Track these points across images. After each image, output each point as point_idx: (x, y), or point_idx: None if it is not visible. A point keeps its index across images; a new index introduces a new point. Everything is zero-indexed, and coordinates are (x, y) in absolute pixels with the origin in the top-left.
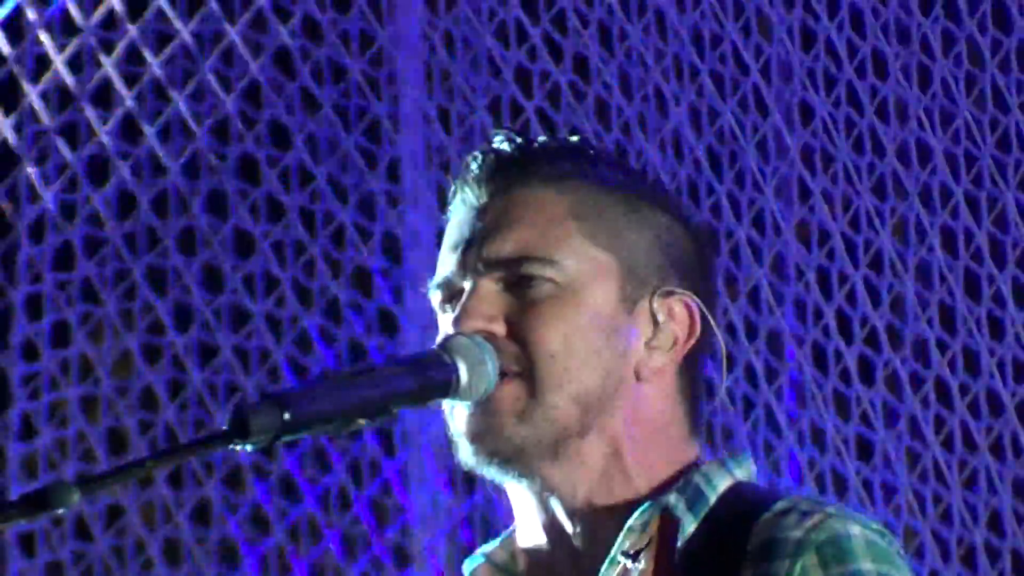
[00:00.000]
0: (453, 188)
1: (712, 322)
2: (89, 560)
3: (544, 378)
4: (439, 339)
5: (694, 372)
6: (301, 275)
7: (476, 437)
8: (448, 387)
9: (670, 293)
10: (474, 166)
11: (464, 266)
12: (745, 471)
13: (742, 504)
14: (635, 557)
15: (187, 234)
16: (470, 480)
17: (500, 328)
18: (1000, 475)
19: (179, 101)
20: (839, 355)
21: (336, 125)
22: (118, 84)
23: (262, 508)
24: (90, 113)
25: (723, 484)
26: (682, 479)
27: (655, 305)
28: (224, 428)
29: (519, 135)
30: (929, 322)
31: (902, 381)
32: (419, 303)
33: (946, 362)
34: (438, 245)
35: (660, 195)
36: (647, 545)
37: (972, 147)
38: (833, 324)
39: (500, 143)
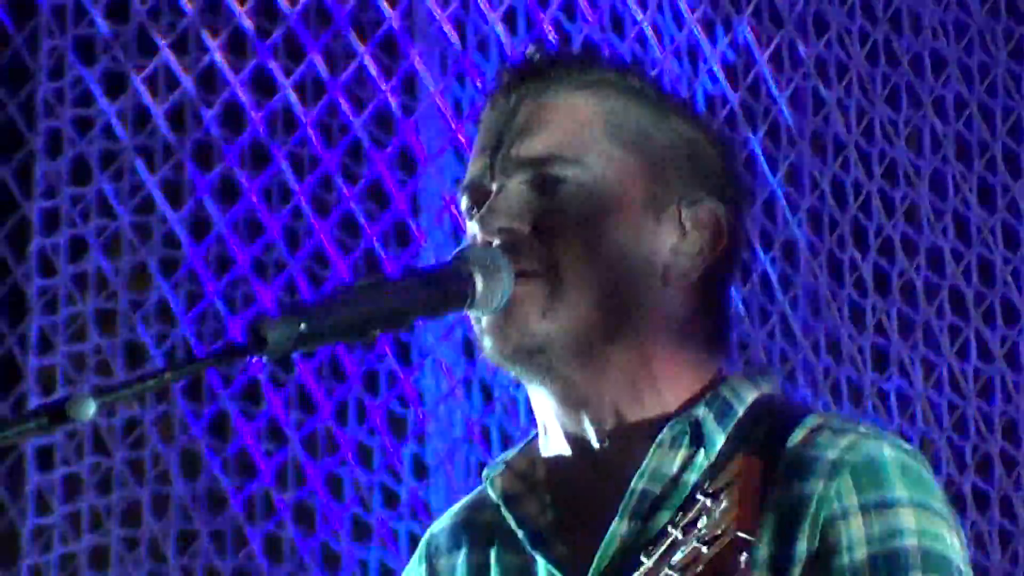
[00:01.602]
0: (487, 95)
1: (739, 234)
2: (105, 472)
3: (569, 277)
4: (457, 248)
5: (721, 283)
6: (317, 187)
7: (500, 332)
8: (464, 298)
9: (697, 201)
10: (506, 73)
11: (492, 168)
12: (769, 385)
13: (771, 417)
14: (715, 496)
15: (202, 147)
16: (487, 391)
17: (525, 227)
18: (1016, 384)
19: (193, 12)
20: (854, 265)
21: (351, 37)
22: None
23: (278, 420)
24: (103, 27)
25: (750, 396)
26: (710, 392)
27: (683, 212)
28: (241, 339)
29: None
30: (944, 232)
31: (917, 291)
32: (434, 215)
33: (960, 271)
34: (455, 157)
35: (688, 108)
36: (728, 485)
37: (986, 57)
38: (848, 234)
39: (531, 52)
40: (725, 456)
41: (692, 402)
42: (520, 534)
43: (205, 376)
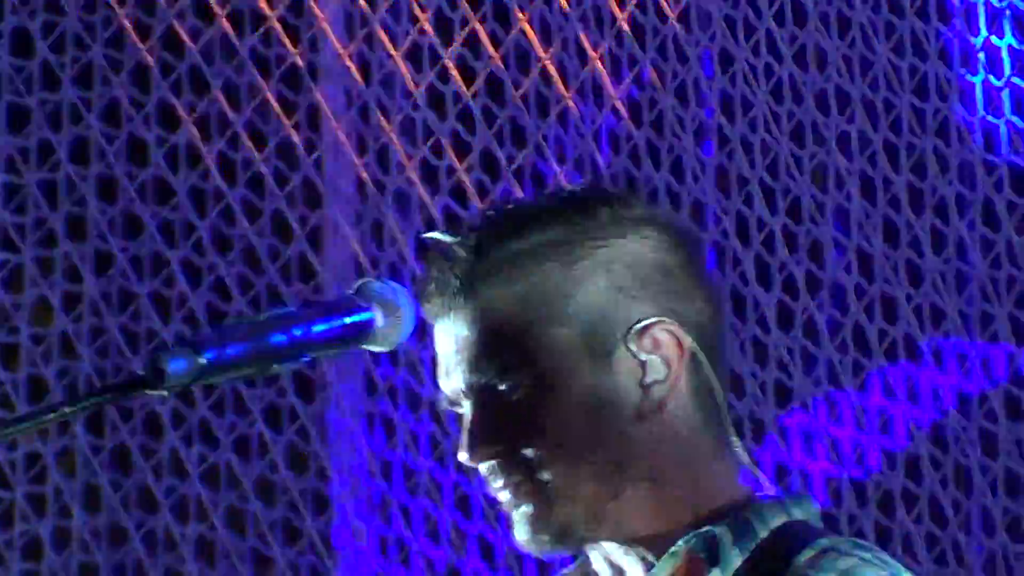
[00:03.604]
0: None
1: (709, 328)
2: (6, 506)
3: (553, 472)
4: (357, 283)
5: (702, 377)
6: (220, 222)
7: (527, 535)
8: (363, 333)
9: (644, 330)
10: (423, 285)
11: (453, 395)
12: (803, 511)
13: (787, 540)
14: None
15: (106, 182)
16: (389, 426)
17: (501, 446)
18: (918, 421)
19: (97, 48)
20: (756, 301)
21: (254, 72)
22: (36, 33)
23: (180, 454)
24: (6, 61)
25: (776, 521)
26: (735, 513)
27: (632, 348)
28: (141, 373)
29: (450, 227)
30: (847, 268)
31: (819, 328)
32: (337, 251)
33: (863, 308)
34: (357, 192)
35: (606, 218)
36: None
37: (890, 95)
38: (751, 270)
39: (441, 249)
40: None
41: (712, 519)
42: None
43: (106, 410)
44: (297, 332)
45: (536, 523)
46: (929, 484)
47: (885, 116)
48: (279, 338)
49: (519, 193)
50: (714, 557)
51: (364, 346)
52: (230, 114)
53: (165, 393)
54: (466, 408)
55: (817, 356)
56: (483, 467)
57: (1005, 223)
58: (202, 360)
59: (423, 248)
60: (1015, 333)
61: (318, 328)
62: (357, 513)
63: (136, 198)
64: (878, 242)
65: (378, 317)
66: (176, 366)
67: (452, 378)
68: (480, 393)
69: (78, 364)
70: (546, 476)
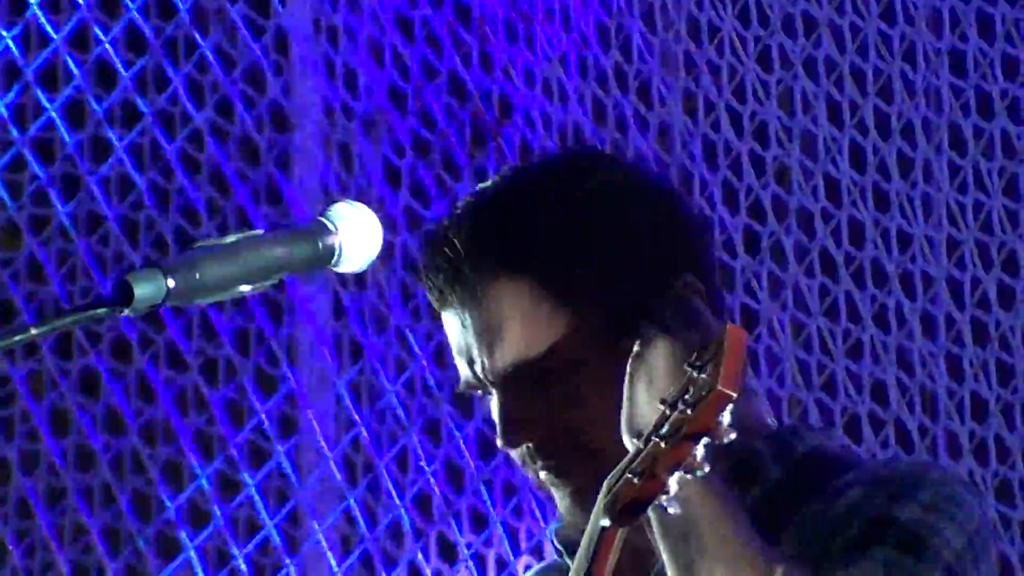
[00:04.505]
0: (423, 284)
1: (705, 298)
2: None
3: (597, 444)
4: (322, 207)
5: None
6: (188, 145)
7: (580, 514)
8: (330, 254)
9: (667, 293)
10: (431, 277)
11: (478, 381)
12: (833, 441)
13: (831, 457)
14: (701, 368)
15: (73, 105)
16: (355, 350)
17: (542, 431)
18: (884, 346)
19: None
20: (724, 225)
21: None
22: None
23: (148, 377)
24: None
25: (813, 442)
26: (773, 435)
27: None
28: (108, 294)
29: (451, 216)
30: (814, 193)
31: (786, 252)
32: (305, 174)
33: (830, 233)
34: (325, 115)
35: (601, 187)
36: (715, 355)
37: (857, 19)
38: (718, 194)
39: (442, 236)
40: (781, 489)
41: (750, 438)
42: None
43: (75, 334)
44: (263, 253)
45: (583, 499)
46: (895, 408)
47: (852, 40)
48: (245, 259)
49: (484, 117)
50: (753, 472)
51: (331, 267)
52: (198, 37)
53: (132, 315)
54: (494, 394)
55: (784, 280)
56: (520, 450)
57: (972, 148)
58: (170, 282)
59: (423, 237)
60: (981, 258)
61: (283, 249)
62: (324, 436)
63: (104, 121)
64: (845, 166)
65: (345, 238)
66: (144, 288)
67: (475, 365)
68: (508, 378)
69: (46, 288)
70: (590, 445)
